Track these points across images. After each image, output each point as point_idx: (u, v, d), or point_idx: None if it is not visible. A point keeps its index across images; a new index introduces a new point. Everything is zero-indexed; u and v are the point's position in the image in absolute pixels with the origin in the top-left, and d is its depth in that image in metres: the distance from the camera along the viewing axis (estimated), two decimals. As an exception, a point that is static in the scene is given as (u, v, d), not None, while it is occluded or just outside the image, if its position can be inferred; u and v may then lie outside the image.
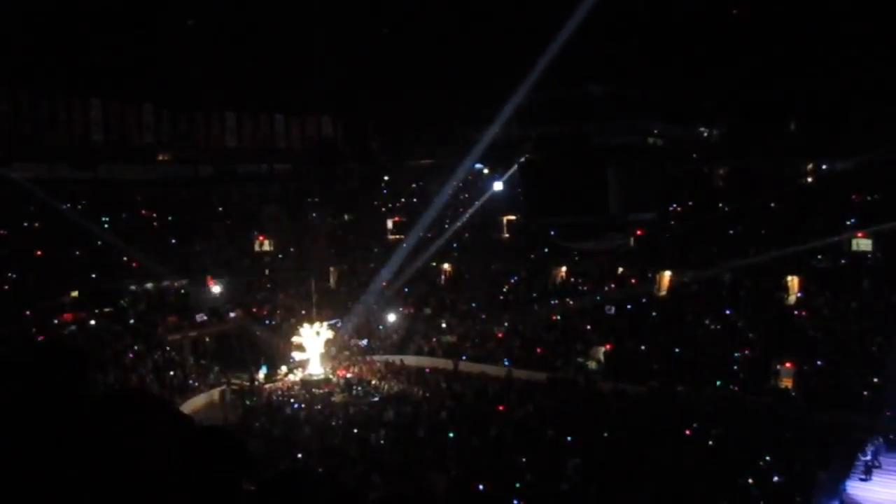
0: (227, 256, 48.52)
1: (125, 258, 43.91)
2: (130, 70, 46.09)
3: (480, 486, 23.44)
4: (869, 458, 26.26)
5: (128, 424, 2.12)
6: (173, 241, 48.25)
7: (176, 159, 53.43)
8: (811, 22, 42.73)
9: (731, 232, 44.74)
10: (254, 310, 45.41)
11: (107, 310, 39.95)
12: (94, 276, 41.79)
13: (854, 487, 24.86)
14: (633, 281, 44.66)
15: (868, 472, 25.74)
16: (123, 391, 2.44)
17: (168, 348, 38.88)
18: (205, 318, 42.74)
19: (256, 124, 56.95)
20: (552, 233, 50.34)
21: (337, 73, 47.30)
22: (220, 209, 53.38)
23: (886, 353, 33.10)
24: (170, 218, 50.44)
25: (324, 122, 59.90)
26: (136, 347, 37.23)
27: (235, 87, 50.00)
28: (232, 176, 54.81)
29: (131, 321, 39.91)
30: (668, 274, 42.67)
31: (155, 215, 50.72)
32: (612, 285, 44.93)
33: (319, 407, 34.44)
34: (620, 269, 45.90)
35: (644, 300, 42.69)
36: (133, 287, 43.10)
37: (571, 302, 44.38)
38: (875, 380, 31.79)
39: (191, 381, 37.12)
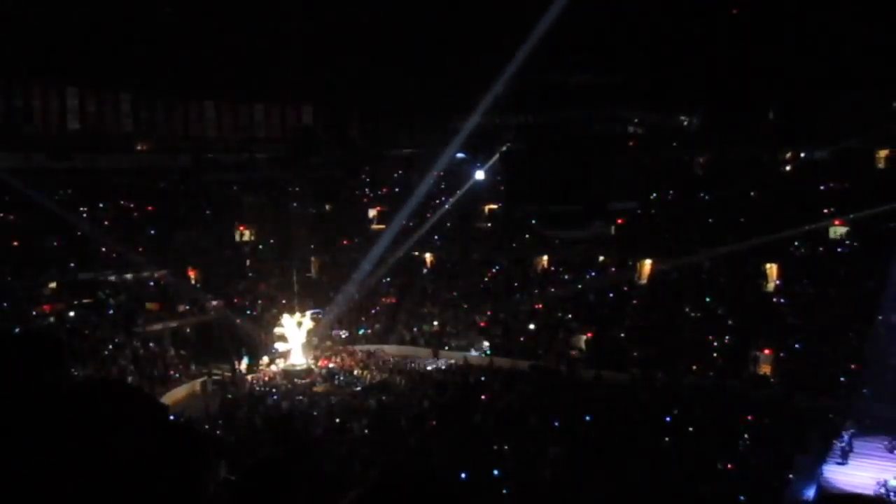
0: (207, 246, 48.17)
1: (104, 248, 43.48)
2: (107, 58, 45.52)
3: (463, 475, 23.52)
4: (845, 442, 26.69)
5: (102, 415, 2.12)
6: (152, 231, 47.84)
7: (154, 148, 52.91)
8: (789, 12, 43.03)
9: (710, 220, 45.07)
10: (235, 300, 45.18)
11: (85, 301, 39.58)
12: (72, 266, 41.38)
13: (830, 471, 25.25)
14: (613, 269, 44.90)
15: (844, 456, 26.16)
16: (98, 382, 2.43)
17: (148, 339, 38.63)
18: (186, 308, 42.49)
19: (236, 113, 56.53)
20: (533, 221, 50.48)
21: (317, 62, 47.02)
22: (200, 199, 52.95)
23: (863, 339, 33.55)
24: (149, 208, 49.97)
25: (304, 112, 59.57)
26: (115, 339, 36.94)
27: (214, 76, 49.56)
28: (211, 165, 54.39)
29: (110, 312, 39.57)
30: (648, 262, 42.94)
31: (133, 205, 50.21)
32: (593, 273, 45.16)
33: (301, 397, 34.41)
34: (601, 258, 46.13)
35: (625, 288, 42.98)
36: (112, 278, 42.70)
37: (553, 290, 44.55)
38: (852, 366, 32.25)
39: (171, 372, 36.90)
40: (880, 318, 34.68)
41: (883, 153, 43.12)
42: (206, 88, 52.70)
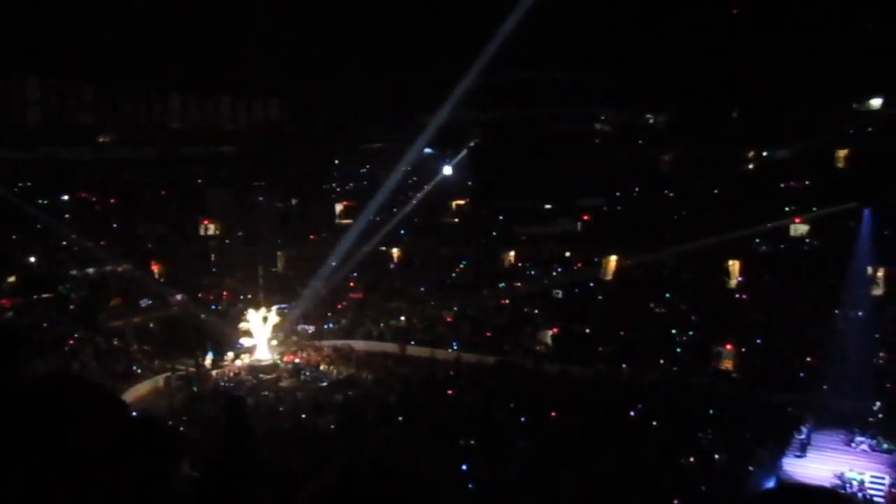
0: (172, 240, 47.57)
1: (65, 242, 42.72)
2: (70, 48, 44.60)
3: (429, 470, 23.56)
4: (804, 435, 27.26)
5: (58, 410, 2.09)
6: (115, 224, 47.09)
7: (118, 141, 52.01)
8: (754, 14, 43.66)
9: (675, 217, 45.63)
10: (199, 294, 44.68)
11: (46, 295, 38.86)
12: (32, 260, 40.58)
13: (790, 464, 25.78)
14: (579, 265, 45.26)
15: (803, 450, 26.72)
16: (56, 377, 2.39)
17: (111, 334, 38.07)
18: (149, 302, 41.94)
19: (202, 106, 55.79)
20: (501, 217, 50.64)
21: (285, 55, 46.59)
22: (164, 192, 52.21)
23: (822, 334, 34.25)
24: (112, 201, 49.17)
25: (271, 105, 59.00)
26: (76, 334, 36.34)
27: (180, 68, 48.83)
28: (176, 158, 53.59)
29: (71, 307, 38.91)
30: (614, 258, 43.33)
31: (96, 198, 49.37)
32: (560, 269, 45.47)
33: (267, 392, 34.18)
34: (568, 254, 46.46)
35: (591, 284, 43.35)
36: (74, 272, 41.97)
37: (519, 286, 44.78)
38: (811, 360, 32.91)
39: (135, 368, 36.40)
40: (838, 313, 35.46)
41: (842, 153, 43.99)
42: (171, 80, 51.90)
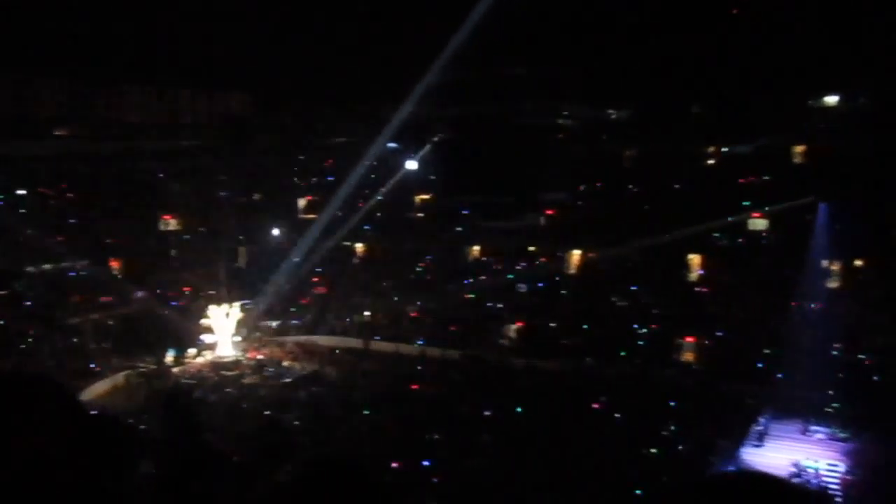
0: (132, 236, 46.77)
1: (21, 238, 41.75)
2: (26, 39, 43.54)
3: (394, 464, 23.57)
4: (762, 425, 27.81)
5: (12, 409, 2.04)
6: (73, 220, 46.16)
7: (76, 134, 50.95)
8: (716, 11, 44.29)
9: (637, 212, 46.12)
10: (160, 291, 44.04)
11: (1, 293, 37.98)
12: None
13: (748, 453, 26.28)
14: (543, 259, 45.52)
15: (761, 439, 27.26)
16: (7, 374, 2.34)
17: (69, 332, 37.36)
18: (109, 299, 41.23)
19: (161, 99, 54.89)
20: (465, 212, 50.71)
21: (248, 48, 46.07)
22: (124, 187, 51.27)
23: (780, 326, 34.94)
24: (69, 196, 48.18)
25: (233, 99, 58.30)
26: (33, 332, 35.60)
27: (140, 60, 47.96)
28: (135, 152, 52.65)
29: (28, 304, 38.09)
30: (577, 253, 43.69)
31: (53, 193, 48.33)
32: (524, 264, 45.69)
33: (230, 390, 33.84)
34: (532, 248, 46.69)
35: (555, 278, 43.64)
36: (30, 269, 41.06)
37: (484, 280, 44.92)
38: (769, 351, 33.56)
39: (94, 366, 35.77)
40: (795, 305, 36.21)
41: (799, 149, 44.88)
42: (131, 72, 50.93)
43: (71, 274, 42.55)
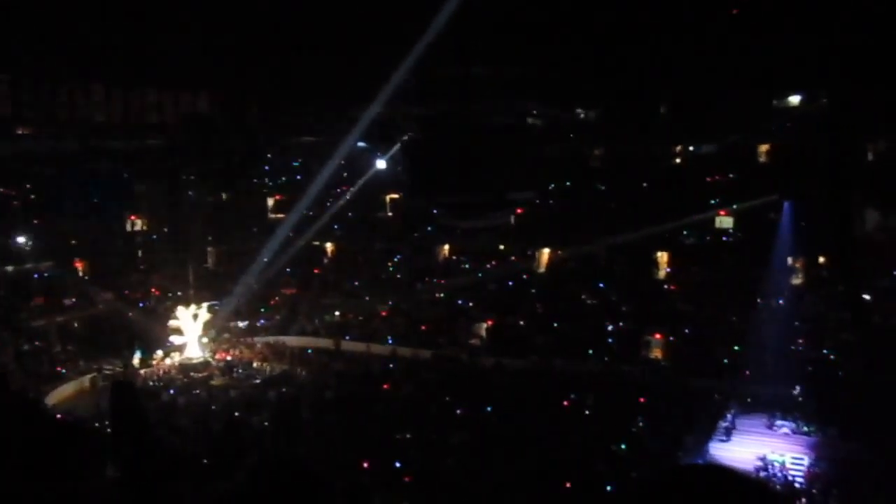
0: (96, 237, 46.09)
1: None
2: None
3: (366, 464, 23.51)
4: (728, 421, 28.20)
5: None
6: (36, 221, 45.35)
7: (37, 133, 49.99)
8: (683, 12, 44.72)
9: (605, 210, 46.46)
10: (126, 292, 43.46)
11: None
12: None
13: (715, 448, 26.62)
14: (513, 258, 45.71)
15: (728, 434, 27.64)
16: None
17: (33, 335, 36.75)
18: (73, 301, 40.62)
19: (126, 98, 54.04)
20: (434, 211, 50.70)
21: (215, 46, 45.58)
22: (88, 187, 50.42)
23: (745, 323, 35.43)
24: (32, 196, 47.32)
25: (200, 97, 57.60)
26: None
27: (103, 57, 47.17)
28: (100, 152, 51.81)
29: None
30: (546, 251, 43.93)
31: (15, 193, 47.43)
32: (494, 263, 45.84)
33: (198, 391, 33.51)
34: (501, 247, 46.86)
35: (524, 277, 43.85)
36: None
37: (454, 279, 44.99)
38: (735, 348, 34.02)
39: (58, 369, 35.21)
40: (761, 302, 36.74)
41: (764, 148, 45.57)
42: (93, 70, 50.05)
43: (35, 276, 41.84)
